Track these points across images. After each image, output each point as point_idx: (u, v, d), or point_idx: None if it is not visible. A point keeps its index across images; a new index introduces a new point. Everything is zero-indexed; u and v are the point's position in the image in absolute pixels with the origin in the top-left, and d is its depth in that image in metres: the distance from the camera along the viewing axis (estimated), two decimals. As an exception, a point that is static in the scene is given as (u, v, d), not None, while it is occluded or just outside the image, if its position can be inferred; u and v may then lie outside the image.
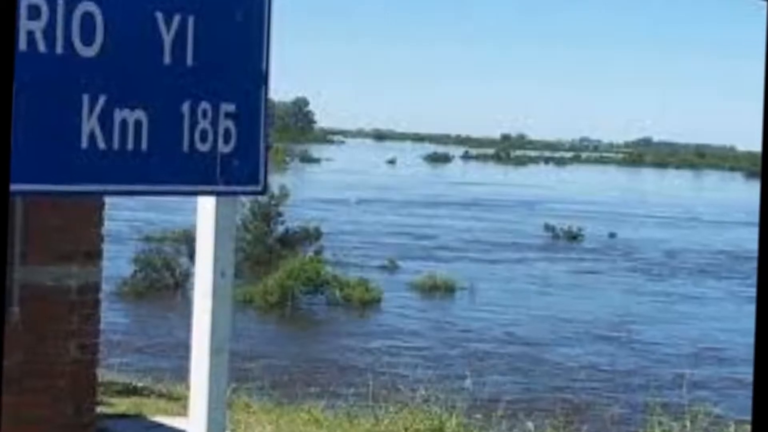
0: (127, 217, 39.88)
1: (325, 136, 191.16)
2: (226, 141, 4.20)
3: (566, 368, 22.62)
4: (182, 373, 11.58)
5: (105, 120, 3.71)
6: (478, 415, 13.51)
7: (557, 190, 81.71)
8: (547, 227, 48.82)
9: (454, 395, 13.65)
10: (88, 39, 3.63)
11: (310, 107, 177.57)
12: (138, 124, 3.83)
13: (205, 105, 4.10)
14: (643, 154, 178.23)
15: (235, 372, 10.93)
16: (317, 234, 37.51)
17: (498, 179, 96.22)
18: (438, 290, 32.25)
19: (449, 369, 21.12)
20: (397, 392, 13.90)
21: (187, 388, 5.03)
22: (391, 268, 36.01)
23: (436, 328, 27.04)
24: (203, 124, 4.10)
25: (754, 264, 1.95)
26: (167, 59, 3.94)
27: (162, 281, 30.52)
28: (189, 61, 4.02)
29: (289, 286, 29.19)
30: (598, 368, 23.00)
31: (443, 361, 22.67)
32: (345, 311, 29.11)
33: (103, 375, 10.83)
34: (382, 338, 25.36)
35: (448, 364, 22.09)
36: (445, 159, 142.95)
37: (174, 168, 4.04)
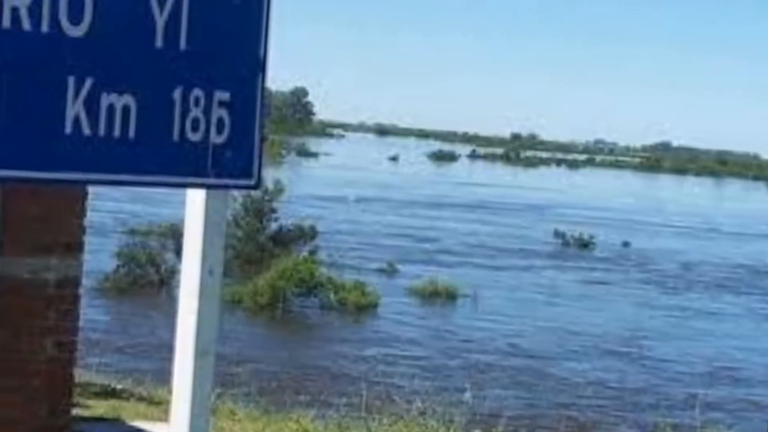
0: (112, 208, 39.92)
1: (324, 129, 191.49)
2: (219, 131, 4.19)
3: (572, 384, 22.63)
4: (164, 376, 11.59)
5: (91, 104, 3.70)
6: (477, 431, 13.52)
7: (569, 194, 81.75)
8: (557, 233, 48.84)
9: (452, 408, 13.66)
10: (76, 18, 3.62)
11: (309, 98, 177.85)
12: (126, 110, 3.82)
13: (197, 92, 4.09)
14: (661, 159, 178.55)
15: (221, 376, 10.93)
16: (312, 233, 37.52)
17: (506, 181, 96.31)
18: (439, 297, 32.26)
19: (448, 381, 21.14)
20: (392, 403, 13.92)
21: (169, 392, 5.03)
22: (390, 271, 36.02)
23: (435, 337, 27.05)
24: (195, 112, 4.09)
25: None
26: (159, 42, 3.94)
27: (146, 277, 30.54)
28: (182, 44, 4.01)
29: (280, 287, 29.20)
30: (606, 385, 23.02)
31: (442, 372, 22.69)
32: (339, 316, 29.12)
33: (80, 375, 10.82)
34: (377, 346, 25.37)
35: (446, 376, 22.11)
36: (451, 157, 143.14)
37: (163, 158, 4.03)
